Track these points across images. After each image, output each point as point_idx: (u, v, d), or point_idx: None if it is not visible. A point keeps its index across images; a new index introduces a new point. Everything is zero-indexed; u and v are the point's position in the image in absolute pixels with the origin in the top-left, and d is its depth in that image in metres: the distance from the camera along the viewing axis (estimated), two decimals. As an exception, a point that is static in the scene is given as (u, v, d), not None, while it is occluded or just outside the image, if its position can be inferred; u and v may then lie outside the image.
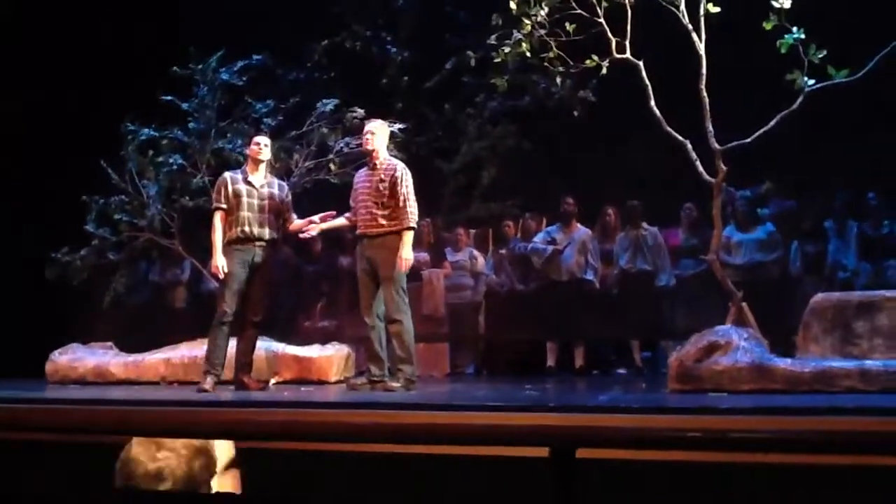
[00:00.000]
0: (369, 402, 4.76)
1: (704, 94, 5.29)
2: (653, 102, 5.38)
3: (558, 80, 5.95)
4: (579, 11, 5.44)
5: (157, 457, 1.93)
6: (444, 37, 8.83)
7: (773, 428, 1.79)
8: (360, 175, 5.63)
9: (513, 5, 5.53)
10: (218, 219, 5.67)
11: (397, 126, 7.09)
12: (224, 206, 5.67)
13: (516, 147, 8.66)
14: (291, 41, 8.67)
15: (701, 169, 5.34)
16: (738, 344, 4.73)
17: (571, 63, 5.63)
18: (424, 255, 7.63)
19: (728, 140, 5.33)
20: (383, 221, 5.39)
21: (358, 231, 5.52)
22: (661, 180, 7.39)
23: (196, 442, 1.96)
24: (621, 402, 4.58)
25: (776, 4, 5.06)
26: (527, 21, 5.53)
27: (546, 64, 5.69)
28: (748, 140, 5.28)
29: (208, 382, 5.49)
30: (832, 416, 3.61)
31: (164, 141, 7.30)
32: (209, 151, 7.19)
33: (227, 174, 5.84)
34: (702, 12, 5.25)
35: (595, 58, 5.51)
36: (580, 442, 1.23)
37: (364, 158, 5.77)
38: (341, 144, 7.02)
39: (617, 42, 5.44)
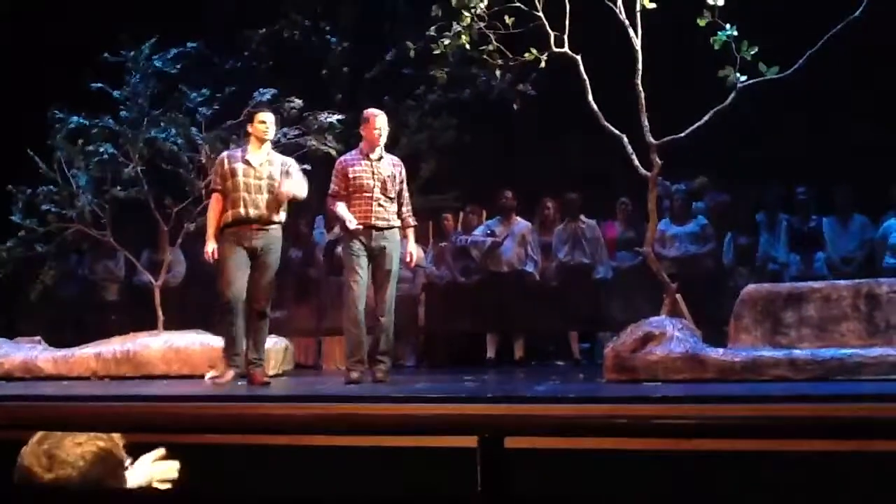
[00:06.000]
0: (300, 396, 4.75)
1: (640, 88, 5.36)
2: (590, 97, 5.43)
3: (498, 73, 5.97)
4: (518, 5, 5.46)
5: (51, 469, 1.86)
6: (384, 27, 8.77)
7: (702, 415, 1.83)
8: (354, 163, 5.44)
9: (452, -3, 5.52)
10: (213, 201, 5.35)
11: (336, 117, 7.02)
12: (219, 187, 5.32)
13: (456, 140, 8.66)
14: (228, 29, 8.51)
15: (637, 163, 5.41)
16: (672, 334, 4.82)
17: (510, 56, 5.65)
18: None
19: (663, 135, 5.41)
20: (392, 215, 5.43)
21: (361, 222, 5.33)
22: (598, 174, 7.48)
23: (96, 448, 1.89)
24: (557, 392, 4.65)
25: (710, 1, 5.15)
26: (466, 13, 5.53)
27: (485, 57, 5.70)
28: (682, 135, 5.37)
29: (228, 374, 5.24)
30: (761, 404, 3.72)
31: (94, 130, 7.08)
32: (141, 141, 7.01)
33: (225, 153, 5.53)
34: (638, 8, 5.31)
35: (534, 51, 5.54)
36: (508, 430, 1.24)
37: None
38: (279, 135, 6.91)
39: (555, 36, 5.47)
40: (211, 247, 5.28)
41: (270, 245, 5.32)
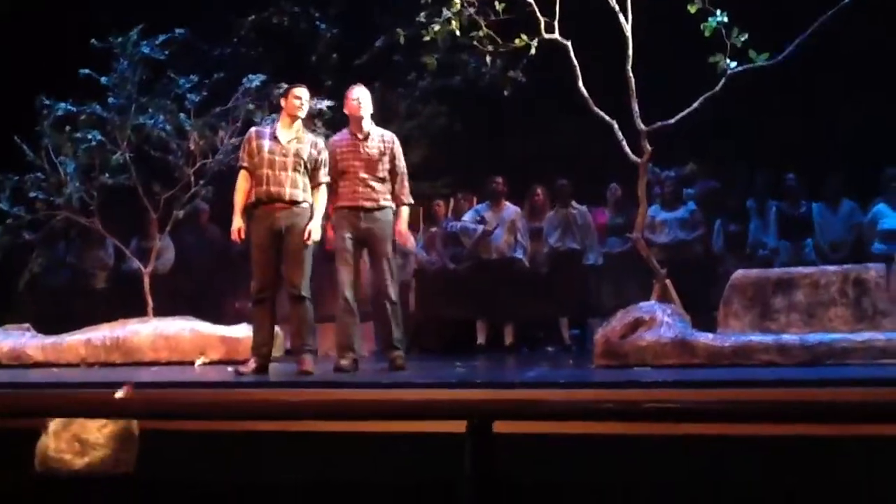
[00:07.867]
0: (289, 382, 4.75)
1: (630, 75, 5.35)
2: (581, 83, 5.42)
3: (488, 59, 5.95)
4: (508, -10, 5.44)
5: (84, 454, 1.86)
6: (374, 14, 8.73)
7: (691, 400, 1.84)
8: (342, 144, 5.26)
9: (442, -18, 5.50)
10: (240, 178, 5.15)
11: (325, 104, 6.99)
12: (245, 164, 5.12)
13: (447, 126, 8.64)
14: (217, 15, 8.45)
15: (627, 149, 5.41)
16: (662, 320, 4.84)
17: (501, 42, 5.63)
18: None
19: (654, 121, 5.41)
20: (382, 195, 5.22)
21: (348, 203, 5.18)
22: (588, 160, 7.48)
23: (119, 427, 1.89)
24: (547, 377, 4.67)
25: (700, -13, 5.15)
26: (456, -1, 5.50)
27: (475, 43, 5.68)
28: (672, 121, 5.37)
29: (247, 365, 5.06)
30: (750, 389, 3.74)
31: (81, 116, 7.02)
32: (129, 127, 6.96)
33: (253, 128, 5.33)
34: (628, -7, 5.31)
35: (524, 37, 5.52)
36: (497, 415, 1.24)
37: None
38: (268, 121, 6.87)
39: (546, 22, 5.46)
40: (237, 224, 5.10)
41: (296, 225, 5.05)
